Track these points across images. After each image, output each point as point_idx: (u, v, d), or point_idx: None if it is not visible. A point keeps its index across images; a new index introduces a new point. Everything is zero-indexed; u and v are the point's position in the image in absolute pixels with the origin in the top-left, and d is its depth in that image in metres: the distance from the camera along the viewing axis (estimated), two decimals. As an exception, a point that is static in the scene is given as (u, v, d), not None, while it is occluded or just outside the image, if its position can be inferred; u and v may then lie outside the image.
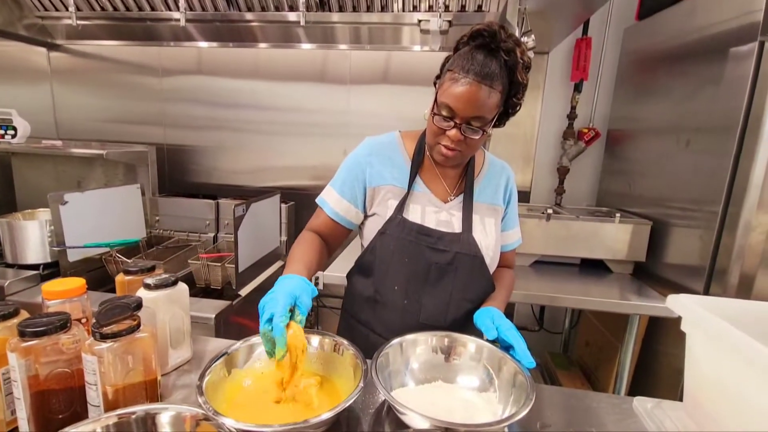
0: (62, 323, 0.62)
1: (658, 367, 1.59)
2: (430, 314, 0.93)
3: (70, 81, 2.33)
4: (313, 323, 2.27)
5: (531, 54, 1.53)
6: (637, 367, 1.65)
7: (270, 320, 0.67)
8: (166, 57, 2.22)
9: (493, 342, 0.82)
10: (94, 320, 0.62)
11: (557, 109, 2.06)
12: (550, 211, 1.67)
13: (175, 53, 2.21)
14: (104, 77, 2.29)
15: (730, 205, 1.28)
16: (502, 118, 0.91)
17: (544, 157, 2.11)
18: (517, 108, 0.89)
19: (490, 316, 0.84)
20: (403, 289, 0.93)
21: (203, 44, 2.17)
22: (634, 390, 1.65)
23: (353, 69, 2.10)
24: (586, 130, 2.01)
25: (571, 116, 2.03)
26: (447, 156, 0.87)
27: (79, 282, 0.76)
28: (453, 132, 0.83)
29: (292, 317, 0.71)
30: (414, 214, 0.93)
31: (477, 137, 0.83)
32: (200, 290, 1.73)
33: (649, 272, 1.64)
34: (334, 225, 0.98)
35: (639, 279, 1.66)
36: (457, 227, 0.93)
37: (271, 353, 0.69)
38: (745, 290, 1.26)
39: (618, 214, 1.65)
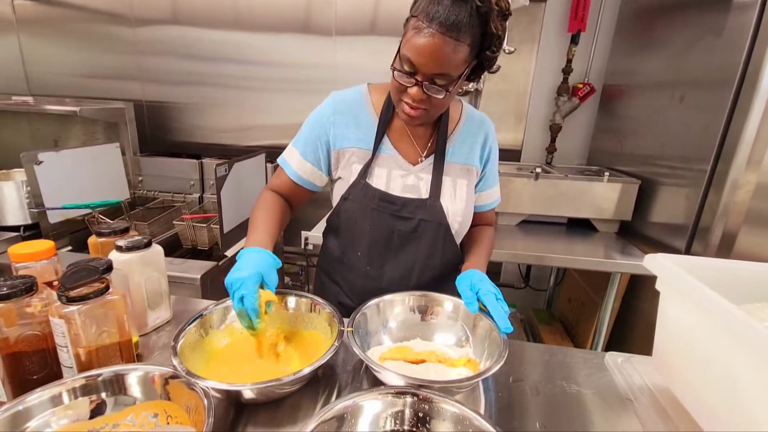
0: (27, 286, 0.60)
1: (636, 323, 1.64)
2: (393, 280, 0.91)
3: (38, 32, 2.18)
4: (303, 282, 2.30)
5: (526, 1, 1.44)
6: (616, 322, 1.70)
7: (241, 299, 0.68)
8: (139, 5, 2.07)
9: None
10: (60, 284, 0.61)
11: (552, 62, 1.97)
12: (538, 170, 1.64)
13: (147, 1, 2.06)
14: (74, 27, 2.14)
15: (719, 162, 1.26)
16: (476, 72, 0.82)
17: (537, 115, 2.05)
18: (493, 62, 0.79)
19: (469, 281, 0.80)
20: (365, 254, 0.92)
21: (178, -10, 2.02)
22: (612, 345, 1.71)
23: (339, 18, 1.97)
24: (581, 86, 1.95)
25: (567, 70, 1.95)
26: (410, 115, 0.79)
27: (47, 244, 0.74)
28: (414, 90, 0.75)
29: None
30: (379, 179, 0.88)
31: (441, 97, 0.75)
32: (187, 251, 1.72)
33: (634, 231, 1.65)
34: (296, 187, 0.94)
35: (624, 238, 1.67)
36: (424, 192, 0.89)
37: (250, 328, 0.71)
38: (726, 248, 1.28)
39: (607, 173, 1.63)
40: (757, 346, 0.47)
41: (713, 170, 1.28)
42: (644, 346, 1.60)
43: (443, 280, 0.94)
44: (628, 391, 0.73)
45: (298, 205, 0.99)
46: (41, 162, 1.46)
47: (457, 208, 0.90)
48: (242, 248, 0.78)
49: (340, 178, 0.92)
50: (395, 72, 0.77)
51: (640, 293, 1.64)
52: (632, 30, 1.80)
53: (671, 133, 1.48)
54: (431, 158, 0.91)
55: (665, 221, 1.50)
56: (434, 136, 0.92)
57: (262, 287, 0.72)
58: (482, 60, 0.78)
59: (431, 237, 0.90)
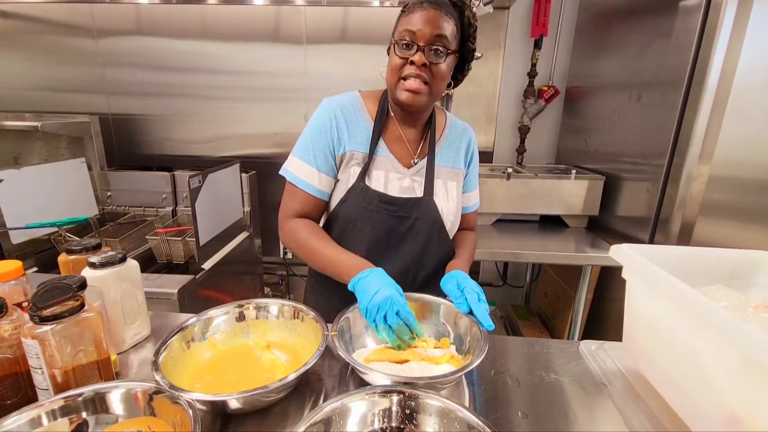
0: (-4, 309, 0.58)
1: (609, 312, 1.72)
2: (392, 279, 0.93)
3: (-4, 45, 2.09)
4: (284, 292, 2.28)
5: (490, 9, 1.49)
6: (590, 313, 1.77)
7: (397, 313, 0.73)
8: (100, 15, 2.01)
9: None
10: (31, 303, 0.59)
11: (518, 67, 2.05)
12: (510, 170, 1.70)
13: (109, 11, 2.01)
14: (32, 40, 2.06)
15: (674, 157, 1.35)
16: (461, 68, 0.90)
17: (506, 117, 2.12)
18: (470, 57, 0.89)
19: (455, 281, 0.84)
20: (364, 256, 0.91)
21: (143, 0, 1.98)
22: (588, 334, 1.78)
23: (309, 27, 1.98)
24: (545, 88, 2.03)
25: (532, 74, 2.03)
26: (412, 89, 0.82)
27: (14, 264, 0.72)
28: (417, 56, 0.80)
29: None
30: (377, 181, 0.91)
31: (441, 62, 0.81)
32: (163, 266, 1.68)
33: (602, 225, 1.73)
34: (318, 202, 0.93)
35: (593, 232, 1.75)
36: (419, 193, 0.93)
37: (409, 339, 0.75)
38: (685, 237, 1.36)
39: (574, 171, 1.70)
40: (715, 325, 0.51)
41: (670, 165, 1.36)
42: (617, 334, 1.64)
43: (438, 277, 0.96)
44: (602, 376, 0.76)
45: (320, 216, 0.98)
46: (1, 180, 1.40)
47: (450, 207, 0.95)
48: (354, 278, 0.79)
49: (338, 180, 0.93)
50: (395, 48, 0.82)
51: (610, 284, 1.71)
52: (590, 34, 1.89)
53: (631, 131, 1.57)
54: (423, 161, 0.95)
55: (629, 214, 1.58)
56: (425, 139, 0.96)
57: None
58: (465, 53, 0.87)
59: (427, 234, 0.93)
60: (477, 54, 1.50)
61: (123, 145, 2.19)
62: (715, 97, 1.24)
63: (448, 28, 0.80)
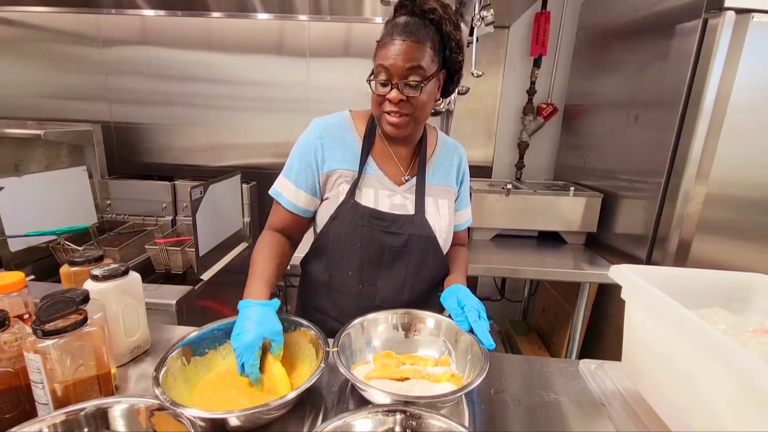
0: (-1, 322, 0.58)
1: (607, 329, 1.72)
2: (386, 297, 0.93)
3: (1, 52, 2.10)
4: (282, 303, 2.26)
5: (491, 29, 1.52)
6: (588, 330, 1.77)
7: (242, 366, 0.69)
8: (107, 26, 2.04)
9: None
10: (35, 317, 0.59)
11: (518, 84, 2.08)
12: (509, 186, 1.71)
13: (115, 22, 2.04)
14: (38, 48, 2.08)
15: (671, 176, 1.36)
16: (448, 84, 0.90)
17: (505, 133, 2.15)
18: (459, 68, 0.88)
19: (455, 298, 0.84)
20: (357, 274, 0.92)
21: (148, 12, 2.01)
22: (586, 350, 1.78)
23: (313, 41, 2.02)
24: (544, 106, 2.06)
25: (531, 91, 2.06)
26: (394, 124, 0.84)
27: (17, 276, 0.72)
28: (393, 93, 0.80)
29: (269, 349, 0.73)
30: (367, 198, 0.91)
31: (417, 94, 0.80)
32: (160, 276, 1.67)
33: (600, 242, 1.74)
34: (295, 218, 0.94)
35: (590, 249, 1.76)
36: (411, 210, 0.93)
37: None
38: (683, 255, 1.37)
39: (572, 188, 1.72)
40: (712, 348, 0.52)
41: (667, 183, 1.38)
42: (615, 351, 1.65)
43: (431, 294, 0.97)
44: (602, 396, 0.77)
45: (300, 235, 0.99)
46: (1, 188, 1.40)
47: (442, 225, 0.94)
48: (241, 300, 0.77)
49: (327, 198, 0.93)
50: (372, 84, 0.83)
51: (608, 301, 1.72)
52: (589, 54, 1.93)
53: (629, 150, 1.59)
54: (414, 179, 0.95)
55: (627, 232, 1.59)
56: (416, 158, 0.96)
57: (265, 346, 0.72)
58: (450, 66, 0.86)
59: (421, 251, 0.92)
60: (478, 72, 1.54)
61: (124, 153, 2.20)
62: (711, 117, 1.27)
63: (424, 56, 0.79)
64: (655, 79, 1.46)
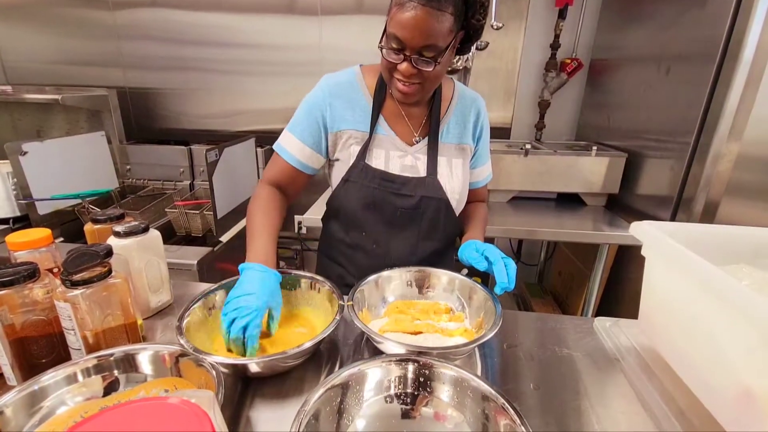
0: (30, 273, 0.61)
1: (624, 292, 1.70)
2: (398, 257, 0.93)
3: (12, 17, 2.10)
4: (298, 266, 2.32)
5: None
6: (604, 293, 1.76)
7: (244, 328, 0.65)
8: (115, -14, 2.00)
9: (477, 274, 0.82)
10: (63, 269, 0.62)
11: (540, 39, 1.97)
12: (528, 146, 1.66)
13: (124, -18, 2.00)
14: (49, 13, 2.07)
15: (702, 134, 1.29)
16: (465, 44, 0.83)
17: (526, 91, 2.06)
18: (480, 31, 0.81)
19: (474, 246, 0.83)
20: (370, 234, 0.93)
21: (156, -29, 1.95)
22: (601, 313, 1.76)
23: (324, -3, 1.94)
24: (568, 61, 1.95)
25: (554, 46, 1.95)
26: (404, 92, 0.80)
27: (44, 232, 0.75)
28: (404, 66, 0.76)
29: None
30: (377, 159, 0.89)
31: (431, 69, 0.75)
32: (181, 238, 1.72)
33: (622, 204, 1.69)
34: (295, 173, 0.92)
35: (611, 210, 1.72)
36: (422, 171, 0.90)
37: (239, 354, 0.66)
38: (708, 217, 1.32)
39: (595, 148, 1.66)
40: (737, 303, 0.50)
41: (696, 142, 1.31)
42: (631, 313, 1.64)
43: (443, 252, 0.97)
44: (616, 352, 0.77)
45: (296, 192, 0.97)
46: (26, 152, 1.44)
47: (454, 185, 0.93)
48: (244, 263, 0.75)
49: (338, 159, 0.92)
50: (383, 50, 0.78)
51: (627, 264, 1.69)
52: (619, 3, 1.80)
53: (657, 107, 1.50)
54: (426, 139, 0.92)
55: (651, 193, 1.54)
56: (428, 116, 0.93)
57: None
58: (469, 29, 0.79)
59: (433, 212, 0.92)
60: (498, 24, 1.46)
61: (140, 119, 2.22)
62: (750, 71, 1.18)
63: (442, 28, 0.71)
64: (689, 29, 1.35)
